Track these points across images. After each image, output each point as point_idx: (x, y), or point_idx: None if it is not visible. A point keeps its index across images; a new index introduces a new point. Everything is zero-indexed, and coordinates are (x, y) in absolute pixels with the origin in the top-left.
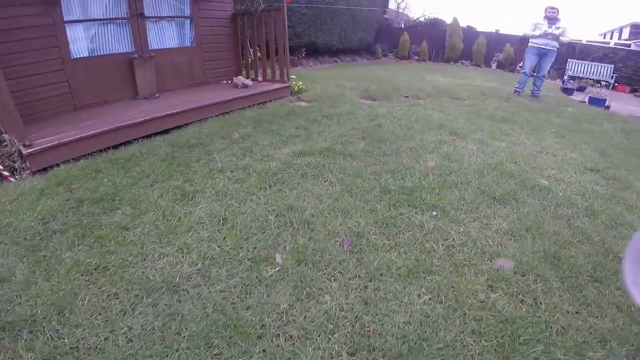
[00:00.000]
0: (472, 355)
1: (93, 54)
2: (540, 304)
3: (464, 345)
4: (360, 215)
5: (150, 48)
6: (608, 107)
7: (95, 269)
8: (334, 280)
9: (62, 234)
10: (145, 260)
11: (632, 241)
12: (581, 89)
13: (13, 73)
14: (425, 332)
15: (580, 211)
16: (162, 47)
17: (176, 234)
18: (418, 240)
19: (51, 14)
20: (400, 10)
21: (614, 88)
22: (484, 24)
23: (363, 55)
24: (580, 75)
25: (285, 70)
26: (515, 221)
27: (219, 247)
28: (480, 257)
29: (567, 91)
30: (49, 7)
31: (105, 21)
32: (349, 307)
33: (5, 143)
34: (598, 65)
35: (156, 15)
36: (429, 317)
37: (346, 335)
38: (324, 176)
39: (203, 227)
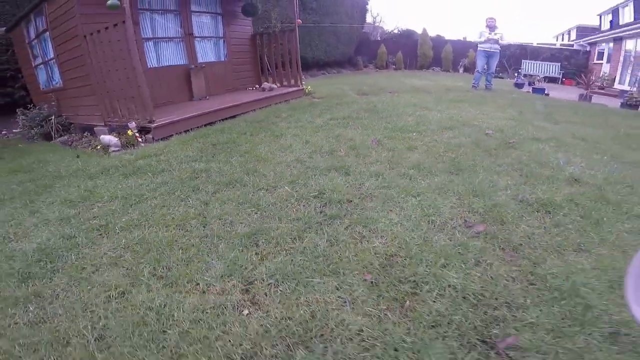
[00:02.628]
0: (453, 169)
1: (160, 65)
2: (471, 154)
3: (445, 166)
4: (376, 135)
5: (198, 61)
6: (547, 94)
7: (256, 162)
8: (374, 152)
9: (217, 155)
10: (277, 156)
11: (634, 259)
12: (531, 84)
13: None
14: (426, 163)
15: (494, 130)
16: (206, 61)
17: (284, 149)
18: (408, 142)
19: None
20: (377, 24)
21: (562, 82)
22: (453, 32)
23: (346, 67)
24: (532, 73)
25: (299, 77)
26: (457, 134)
27: (309, 150)
28: (443, 146)
29: (519, 85)
30: (135, 26)
31: (166, 39)
32: (384, 157)
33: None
34: (548, 64)
35: (201, 35)
36: (425, 160)
37: (386, 163)
38: (350, 126)
39: (296, 146)
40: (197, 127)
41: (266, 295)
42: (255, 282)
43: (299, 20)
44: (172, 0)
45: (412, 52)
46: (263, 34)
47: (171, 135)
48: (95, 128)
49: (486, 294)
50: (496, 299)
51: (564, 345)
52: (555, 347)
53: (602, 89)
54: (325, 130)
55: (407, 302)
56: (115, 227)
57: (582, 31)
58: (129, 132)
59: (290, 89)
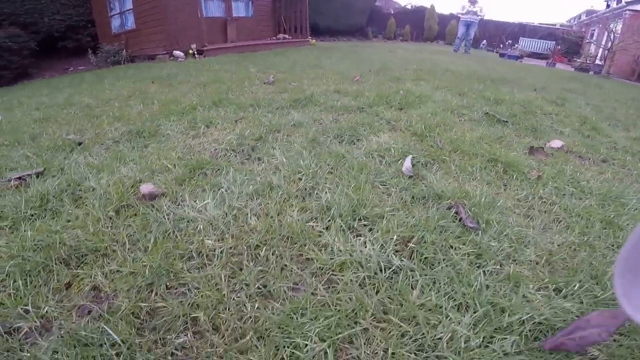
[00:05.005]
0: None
1: (208, 15)
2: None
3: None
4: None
5: (233, 15)
6: (521, 60)
7: (268, 63)
8: (334, 63)
9: (245, 60)
10: (282, 61)
11: (620, 253)
12: (505, 54)
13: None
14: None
15: (432, 60)
16: (238, 15)
17: (288, 60)
18: (368, 60)
19: None
20: None
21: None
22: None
23: (357, 36)
24: (528, 50)
25: (306, 32)
26: (412, 65)
27: (303, 60)
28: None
29: (502, 55)
30: None
31: None
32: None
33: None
34: (542, 42)
35: None
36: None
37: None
38: (332, 58)
39: (295, 58)
40: (232, 54)
41: (279, 79)
42: (276, 74)
43: None
44: None
45: (419, 26)
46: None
47: (217, 56)
48: (157, 56)
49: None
50: (361, 75)
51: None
52: (373, 82)
53: (584, 64)
54: (314, 56)
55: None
56: (198, 73)
57: (590, 14)
58: (190, 51)
59: (300, 39)
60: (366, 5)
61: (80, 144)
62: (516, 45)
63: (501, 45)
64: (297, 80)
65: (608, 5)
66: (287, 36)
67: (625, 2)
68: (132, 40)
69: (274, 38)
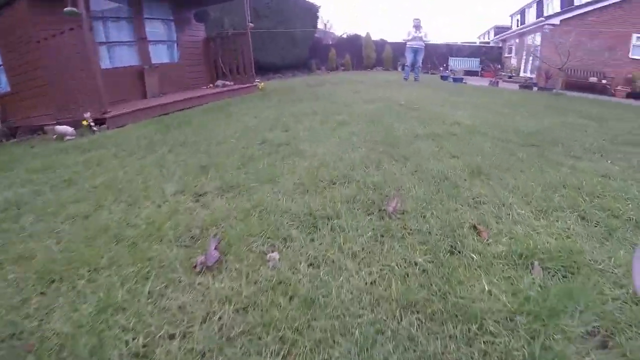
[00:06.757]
0: (368, 121)
1: (113, 66)
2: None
3: (363, 119)
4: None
5: (152, 62)
6: (465, 82)
7: (207, 131)
8: (310, 117)
9: (172, 130)
10: (227, 126)
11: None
12: (451, 77)
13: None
14: (347, 120)
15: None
16: (160, 62)
17: (235, 121)
18: (337, 110)
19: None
20: (328, 29)
21: (482, 75)
22: (392, 35)
23: (301, 70)
24: (457, 68)
25: (252, 75)
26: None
27: (257, 121)
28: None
29: (443, 78)
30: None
31: (119, 43)
32: (318, 119)
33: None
34: (469, 60)
35: (155, 39)
36: (347, 118)
37: (317, 123)
38: (296, 113)
39: (245, 119)
40: (152, 117)
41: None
42: (220, 193)
43: (251, 24)
44: (124, 9)
45: (358, 54)
46: (216, 38)
47: (126, 124)
48: (45, 127)
49: (382, 183)
50: (389, 185)
51: (434, 208)
52: (428, 210)
53: (511, 78)
54: (274, 115)
55: (326, 191)
56: (71, 200)
57: (499, 30)
58: (84, 122)
59: (244, 85)
60: (307, 38)
61: None
62: (452, 69)
63: (441, 68)
64: (273, 237)
65: (518, 23)
66: (227, 82)
67: (545, 17)
68: (11, 106)
69: (211, 86)
